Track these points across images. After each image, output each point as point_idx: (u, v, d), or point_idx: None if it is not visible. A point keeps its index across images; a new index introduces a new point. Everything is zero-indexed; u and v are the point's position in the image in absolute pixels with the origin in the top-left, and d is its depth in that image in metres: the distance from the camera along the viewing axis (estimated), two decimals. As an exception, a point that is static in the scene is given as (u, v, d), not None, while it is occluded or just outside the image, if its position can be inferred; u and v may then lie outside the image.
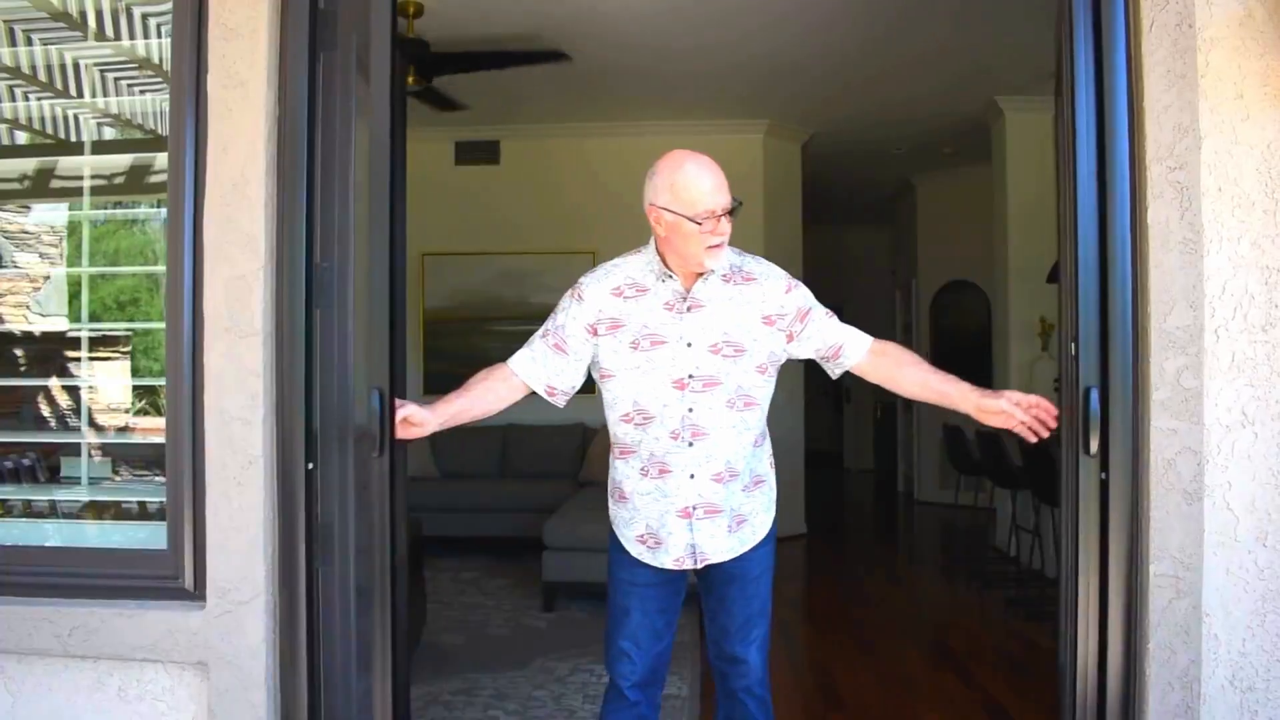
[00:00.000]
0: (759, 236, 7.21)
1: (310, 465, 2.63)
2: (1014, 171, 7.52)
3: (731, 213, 2.52)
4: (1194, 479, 2.40)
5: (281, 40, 2.62)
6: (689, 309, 2.60)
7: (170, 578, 2.65)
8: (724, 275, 2.62)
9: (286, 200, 2.61)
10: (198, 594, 2.64)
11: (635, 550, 2.69)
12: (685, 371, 2.58)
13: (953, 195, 9.61)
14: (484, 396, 2.69)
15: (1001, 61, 6.59)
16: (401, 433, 2.56)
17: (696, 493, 2.61)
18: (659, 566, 2.67)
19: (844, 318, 2.75)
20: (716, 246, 2.53)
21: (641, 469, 2.66)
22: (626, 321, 2.62)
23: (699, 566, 2.66)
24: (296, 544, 2.61)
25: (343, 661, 2.73)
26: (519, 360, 2.70)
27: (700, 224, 2.48)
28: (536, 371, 2.68)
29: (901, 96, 7.32)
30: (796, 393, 8.27)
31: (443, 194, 7.87)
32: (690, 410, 2.58)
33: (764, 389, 2.66)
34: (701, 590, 2.79)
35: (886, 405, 11.18)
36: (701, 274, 2.60)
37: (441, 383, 6.42)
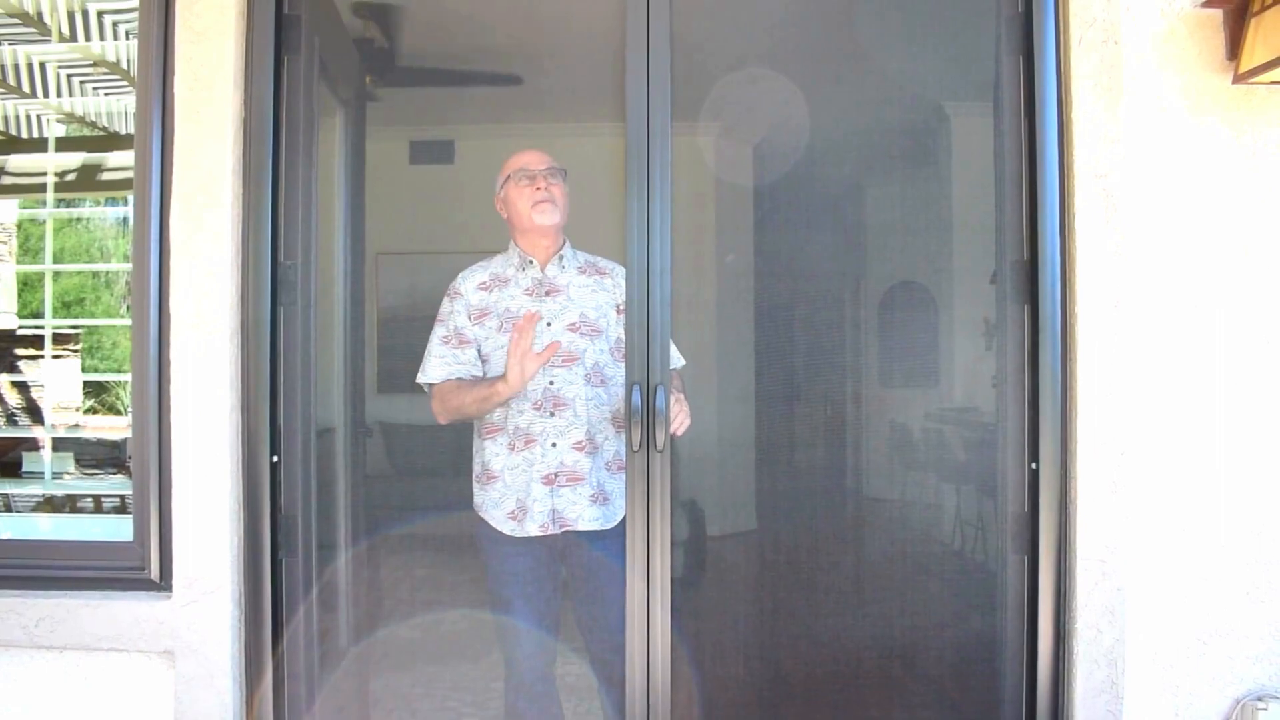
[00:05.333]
0: (711, 237, 7.32)
1: (275, 459, 2.70)
2: (959, 175, 7.67)
3: (553, 178, 2.88)
4: (1117, 468, 2.55)
5: (247, 43, 2.69)
6: (547, 293, 2.85)
7: (136, 568, 2.71)
8: (579, 267, 2.90)
9: (252, 200, 2.68)
10: (164, 584, 2.70)
11: (508, 528, 2.81)
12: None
13: (901, 198, 9.76)
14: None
15: (948, 68, 6.73)
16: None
17: (559, 460, 2.78)
18: (524, 536, 2.79)
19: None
20: (543, 202, 2.82)
21: (509, 444, 2.82)
22: (492, 309, 2.87)
23: (559, 532, 2.78)
24: (261, 535, 2.68)
25: (306, 650, 2.80)
26: (435, 373, 2.89)
27: (521, 182, 2.87)
28: (456, 371, 2.87)
29: (850, 101, 7.45)
30: (748, 389, 8.38)
31: (398, 193, 7.88)
32: (551, 383, 2.80)
33: (618, 370, 2.87)
34: (574, 595, 2.91)
35: (839, 401, 11.32)
36: (555, 256, 2.88)
37: (395, 381, 6.44)
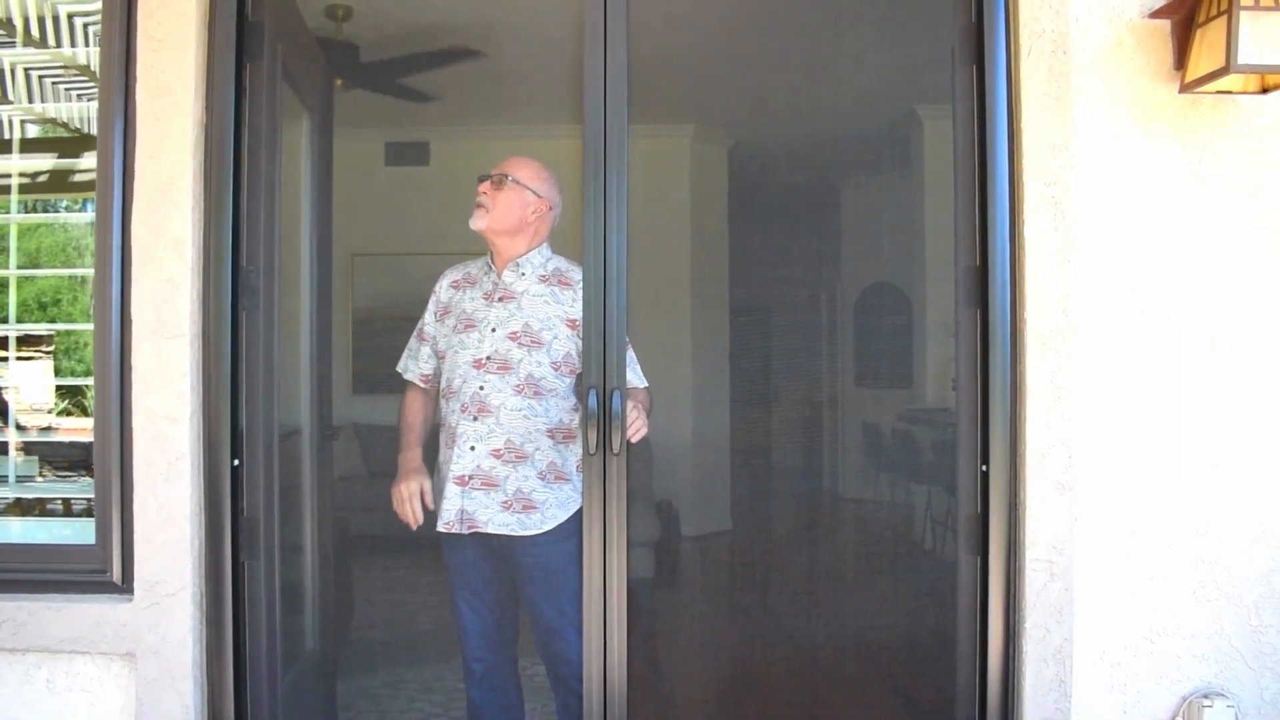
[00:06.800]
0: (686, 239, 7.37)
1: (236, 462, 2.72)
2: (931, 177, 7.74)
3: (495, 185, 2.94)
4: (1066, 470, 2.60)
5: (209, 50, 2.71)
6: (500, 299, 2.90)
7: (98, 571, 2.73)
8: (542, 276, 2.93)
9: (213, 205, 2.70)
10: (125, 587, 2.72)
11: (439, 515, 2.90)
12: (485, 353, 2.86)
13: (875, 200, 9.83)
14: (426, 418, 3.05)
15: (919, 72, 6.80)
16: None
17: (475, 464, 2.84)
18: (440, 531, 2.88)
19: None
20: (476, 207, 2.94)
21: (446, 439, 2.93)
22: (454, 308, 2.96)
23: (466, 532, 2.85)
24: (223, 538, 2.70)
25: (269, 652, 2.83)
26: (400, 364, 3.09)
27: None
28: (417, 367, 3.04)
29: (823, 105, 7.51)
30: (722, 391, 8.43)
31: (373, 195, 7.89)
32: (481, 388, 2.85)
33: (559, 383, 2.89)
34: (520, 595, 2.99)
35: (813, 403, 11.37)
36: (512, 262, 2.92)
37: (369, 382, 6.44)
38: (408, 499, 2.90)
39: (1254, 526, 2.65)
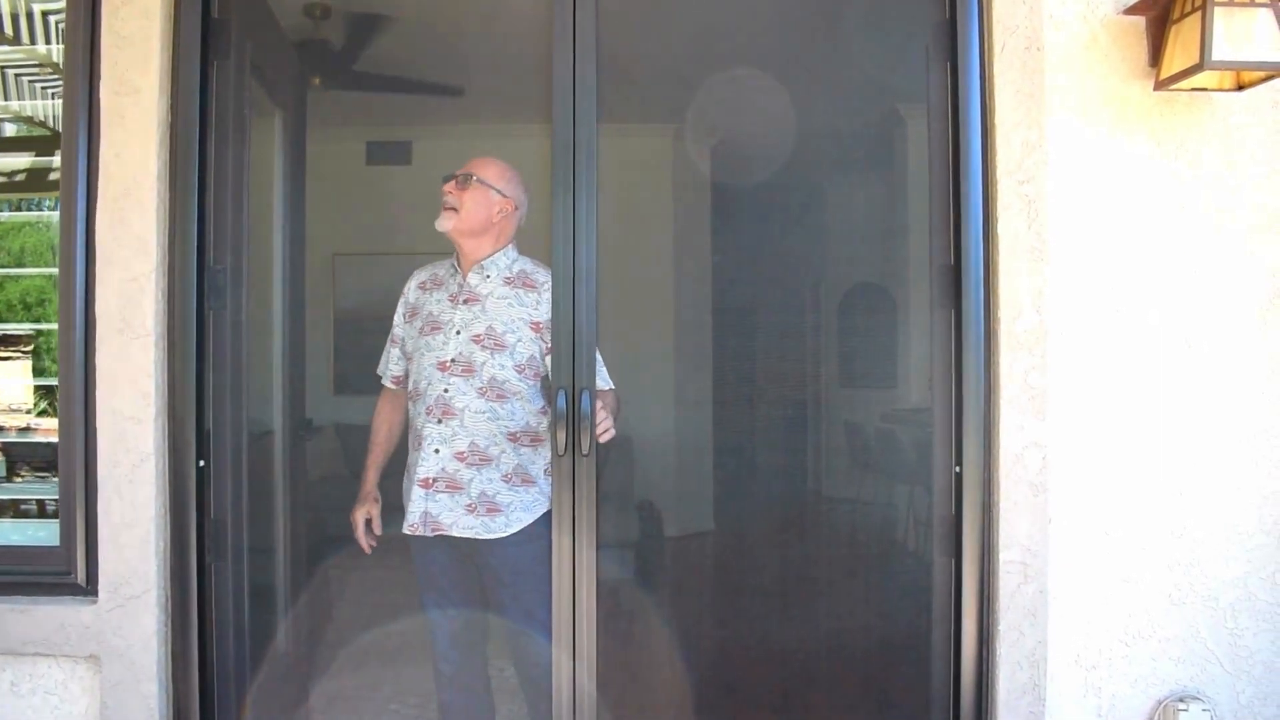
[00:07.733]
0: (668, 238, 7.34)
1: (202, 463, 2.69)
2: (915, 176, 7.72)
3: (460, 185, 2.90)
4: (1040, 471, 2.58)
5: (174, 48, 2.69)
6: (464, 301, 2.88)
7: (63, 573, 2.70)
8: (507, 278, 2.89)
9: (178, 204, 2.67)
10: (90, 589, 2.69)
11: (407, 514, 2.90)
12: (449, 356, 2.84)
13: (859, 199, 9.82)
14: (391, 429, 3.08)
15: (902, 70, 6.77)
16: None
17: (440, 467, 2.82)
18: (405, 533, 2.87)
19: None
20: (444, 209, 2.89)
21: (413, 441, 2.92)
22: (420, 310, 2.95)
23: (431, 534, 2.83)
24: (188, 540, 2.67)
25: (236, 654, 2.80)
26: (380, 367, 3.09)
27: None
28: (389, 369, 3.05)
29: (807, 104, 7.48)
30: (705, 390, 8.41)
31: (354, 194, 7.85)
32: (445, 391, 2.83)
33: (522, 386, 2.85)
34: (488, 597, 2.96)
35: (796, 403, 11.36)
36: (477, 264, 2.89)
37: (351, 383, 6.39)
38: (358, 526, 3.01)
39: (1230, 528, 2.64)
